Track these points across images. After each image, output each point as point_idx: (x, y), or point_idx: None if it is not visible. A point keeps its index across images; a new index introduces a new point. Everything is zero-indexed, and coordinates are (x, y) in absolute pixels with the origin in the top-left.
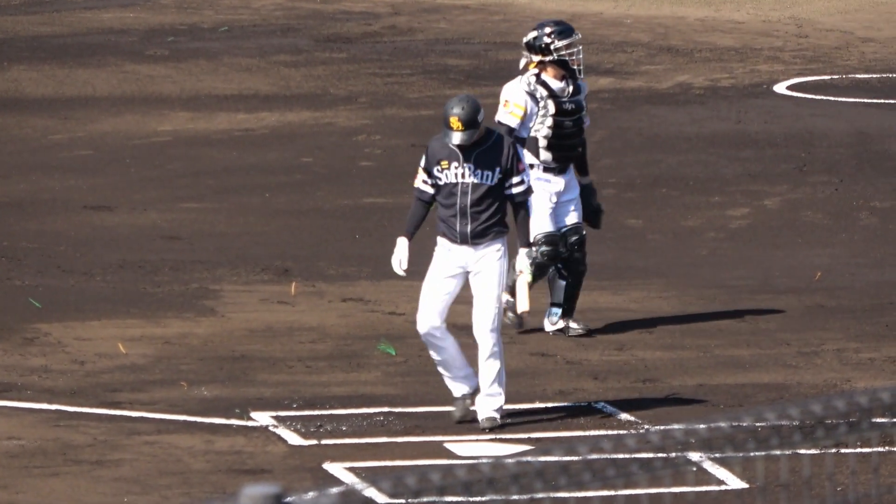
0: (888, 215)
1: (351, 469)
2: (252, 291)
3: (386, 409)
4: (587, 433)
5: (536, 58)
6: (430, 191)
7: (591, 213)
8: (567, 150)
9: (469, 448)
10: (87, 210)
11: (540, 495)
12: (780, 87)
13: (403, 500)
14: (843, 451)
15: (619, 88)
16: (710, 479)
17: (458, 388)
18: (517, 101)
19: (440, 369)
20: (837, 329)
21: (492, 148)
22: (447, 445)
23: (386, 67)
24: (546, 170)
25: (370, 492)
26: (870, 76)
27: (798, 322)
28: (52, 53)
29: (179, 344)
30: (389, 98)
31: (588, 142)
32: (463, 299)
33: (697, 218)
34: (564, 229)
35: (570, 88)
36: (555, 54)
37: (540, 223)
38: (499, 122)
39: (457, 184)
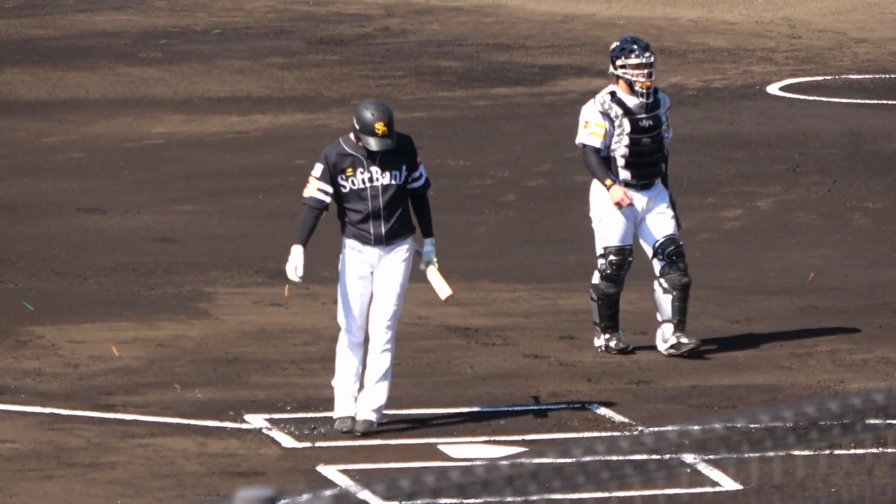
0: (881, 216)
1: (345, 471)
2: (245, 293)
3: None
4: (581, 435)
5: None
6: (327, 200)
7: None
8: (647, 166)
9: (463, 450)
10: (80, 213)
11: (534, 497)
12: (773, 88)
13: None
14: (836, 452)
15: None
16: (704, 480)
17: (349, 407)
18: (597, 121)
19: (341, 381)
20: (831, 330)
21: (395, 148)
22: (441, 447)
23: (379, 69)
24: (627, 186)
25: (364, 494)
26: (863, 77)
27: (791, 323)
28: (45, 56)
29: (173, 346)
30: (382, 100)
31: None
32: (457, 300)
33: (691, 219)
34: (658, 242)
35: (648, 103)
36: (620, 72)
37: (613, 235)
38: (582, 145)
39: (366, 188)
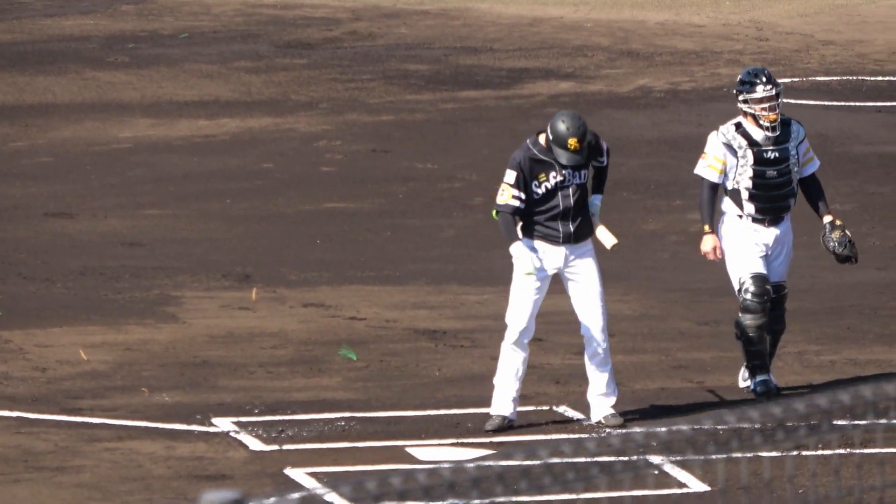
0: (849, 218)
1: (312, 474)
2: (213, 297)
3: (347, 414)
4: (548, 437)
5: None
6: (521, 206)
7: (840, 245)
8: (774, 200)
9: (430, 452)
10: (47, 217)
11: (500, 499)
12: None
13: None
14: (803, 453)
15: (580, 92)
16: (670, 481)
17: (507, 407)
18: (716, 154)
19: (502, 380)
20: (798, 331)
21: None
22: (408, 450)
23: (346, 73)
24: (754, 220)
25: (331, 497)
26: (830, 79)
27: None
28: (12, 61)
29: (141, 350)
30: (350, 103)
31: None
32: (426, 303)
33: (658, 221)
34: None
35: (776, 135)
36: (744, 107)
37: (745, 266)
38: (700, 177)
39: (556, 190)
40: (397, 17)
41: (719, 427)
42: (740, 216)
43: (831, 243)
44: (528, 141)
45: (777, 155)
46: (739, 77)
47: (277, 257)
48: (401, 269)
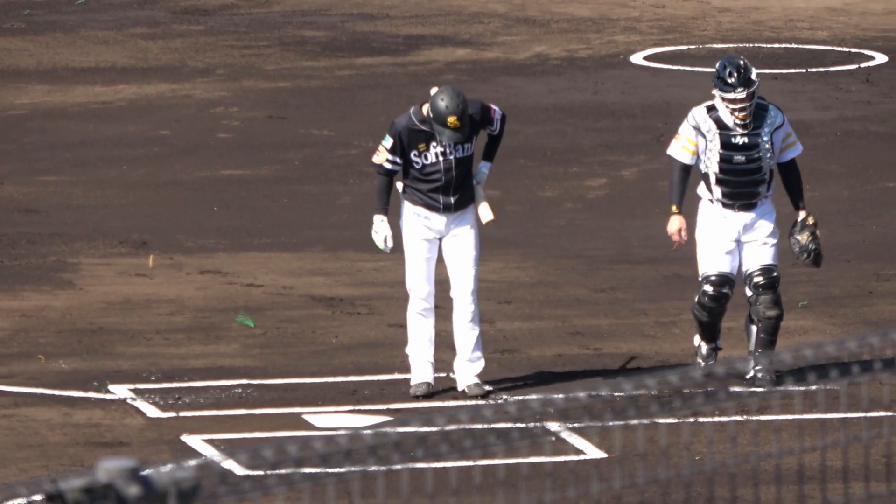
0: None
1: (209, 441)
2: (110, 264)
3: (244, 382)
4: (445, 404)
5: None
6: (397, 169)
7: (802, 252)
8: (742, 186)
9: (327, 420)
10: None
11: (398, 466)
12: (637, 58)
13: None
14: (700, 420)
15: (477, 59)
16: (567, 449)
17: (426, 373)
18: (688, 136)
19: (415, 348)
20: (694, 298)
21: None
22: (305, 417)
23: (243, 39)
24: (724, 206)
25: (228, 464)
26: (726, 46)
27: (655, 292)
28: None
29: (37, 317)
30: (247, 70)
31: None
32: (322, 270)
33: (555, 188)
34: (750, 271)
35: (748, 121)
36: (717, 100)
37: (709, 261)
38: (671, 156)
39: (437, 162)
40: None
41: (616, 394)
42: (711, 200)
43: (796, 247)
44: (411, 110)
45: (746, 141)
46: (717, 67)
47: (174, 224)
48: (297, 236)
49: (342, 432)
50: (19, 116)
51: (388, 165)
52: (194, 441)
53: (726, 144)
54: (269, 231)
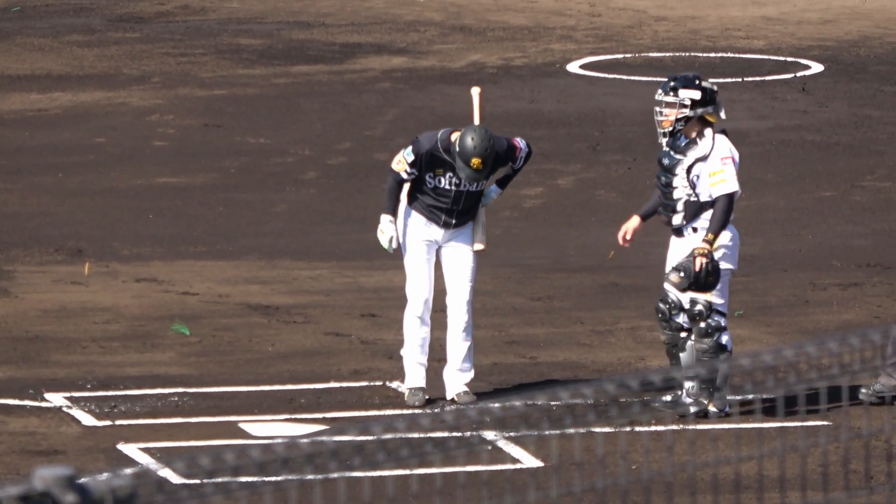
0: None
1: (145, 449)
2: (45, 272)
3: (180, 390)
4: (382, 413)
5: None
6: (411, 179)
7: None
8: (663, 206)
9: (264, 428)
10: None
11: (334, 475)
12: (574, 67)
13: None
14: (636, 429)
15: (413, 68)
16: (504, 457)
17: (419, 377)
18: None
19: (410, 352)
20: (631, 307)
21: None
22: (242, 426)
23: (179, 47)
24: (666, 223)
25: (165, 472)
26: (663, 55)
27: (592, 301)
28: None
29: None
30: (182, 78)
31: (380, 121)
32: (258, 278)
33: None
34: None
35: (667, 141)
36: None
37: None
38: None
39: (450, 189)
40: None
41: (553, 403)
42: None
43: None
44: (439, 134)
45: (667, 162)
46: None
47: (110, 232)
48: (233, 244)
49: (279, 441)
50: None
51: (405, 175)
52: (130, 449)
53: (658, 159)
54: (205, 239)
